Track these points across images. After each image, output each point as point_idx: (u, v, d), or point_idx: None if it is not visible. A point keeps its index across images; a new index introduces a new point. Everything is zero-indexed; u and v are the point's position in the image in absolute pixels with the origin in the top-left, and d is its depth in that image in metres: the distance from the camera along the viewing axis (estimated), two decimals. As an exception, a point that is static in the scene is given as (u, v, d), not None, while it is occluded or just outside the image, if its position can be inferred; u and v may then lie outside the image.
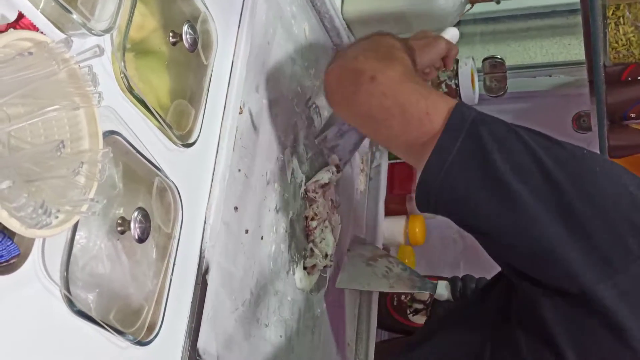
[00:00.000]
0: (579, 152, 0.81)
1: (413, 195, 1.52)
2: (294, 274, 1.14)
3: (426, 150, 0.79)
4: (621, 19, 1.19)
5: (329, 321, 1.27)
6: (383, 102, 0.84)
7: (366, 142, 1.57)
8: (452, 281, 1.08)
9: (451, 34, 1.18)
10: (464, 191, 0.77)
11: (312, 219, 1.17)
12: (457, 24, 1.43)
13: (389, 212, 1.51)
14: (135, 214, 0.74)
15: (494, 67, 1.63)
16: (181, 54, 0.86)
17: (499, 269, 0.91)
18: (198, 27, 0.88)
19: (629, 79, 1.32)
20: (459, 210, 0.79)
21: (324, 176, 1.20)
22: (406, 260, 1.59)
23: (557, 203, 0.73)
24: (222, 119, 0.94)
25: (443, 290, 1.13)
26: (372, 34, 1.01)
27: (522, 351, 0.76)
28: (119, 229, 0.72)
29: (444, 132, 0.78)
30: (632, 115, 1.35)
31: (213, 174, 0.91)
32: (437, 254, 1.75)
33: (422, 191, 0.80)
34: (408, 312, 1.43)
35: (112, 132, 0.70)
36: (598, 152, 1.31)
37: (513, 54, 1.80)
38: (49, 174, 0.58)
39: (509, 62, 1.64)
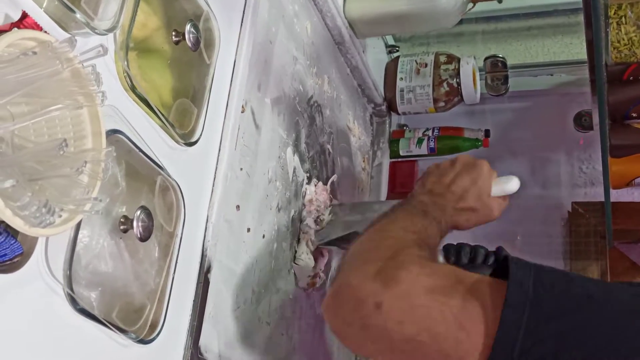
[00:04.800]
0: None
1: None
2: (295, 251, 1.14)
3: None
4: (623, 19, 1.19)
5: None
6: (404, 332, 0.66)
7: (367, 140, 1.57)
8: (445, 248, 1.04)
9: (511, 185, 0.99)
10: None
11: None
12: (459, 23, 1.43)
13: (390, 211, 1.51)
14: (138, 212, 0.74)
15: (495, 66, 1.63)
16: (184, 52, 0.86)
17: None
18: (200, 26, 0.88)
19: (631, 78, 1.32)
20: None
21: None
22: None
23: None
24: (225, 117, 0.94)
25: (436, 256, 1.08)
26: (379, 218, 0.89)
27: None
28: (121, 227, 0.73)
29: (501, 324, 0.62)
30: (634, 115, 1.34)
31: (215, 173, 0.91)
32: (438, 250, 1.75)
33: None
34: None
35: (115, 131, 0.71)
36: (599, 151, 1.31)
37: (515, 53, 1.80)
38: (53, 172, 0.59)
39: (510, 61, 1.64)
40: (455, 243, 1.02)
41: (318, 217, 1.19)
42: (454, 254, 0.99)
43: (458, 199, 0.94)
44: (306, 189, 1.19)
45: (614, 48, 1.21)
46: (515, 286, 0.64)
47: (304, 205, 1.18)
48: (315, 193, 1.20)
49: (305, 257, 1.14)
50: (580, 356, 0.61)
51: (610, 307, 0.63)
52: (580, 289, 0.65)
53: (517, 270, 0.65)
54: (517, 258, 0.68)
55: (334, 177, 1.27)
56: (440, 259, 1.01)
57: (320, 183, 1.23)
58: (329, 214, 1.21)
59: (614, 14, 1.19)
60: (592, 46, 1.14)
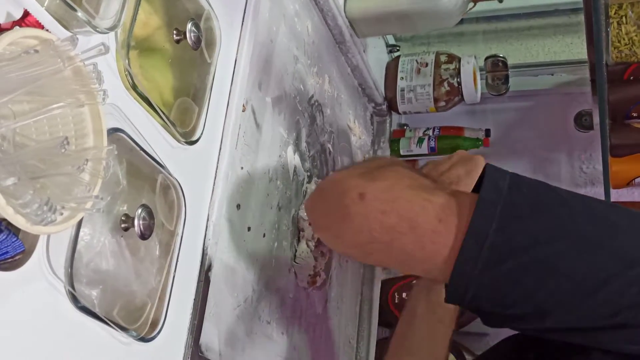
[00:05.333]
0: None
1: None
2: (295, 250, 1.14)
3: (449, 265, 0.65)
4: (624, 18, 1.19)
5: (331, 319, 1.27)
6: (385, 221, 0.67)
7: (367, 139, 1.58)
8: None
9: None
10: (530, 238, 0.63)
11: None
12: (460, 22, 1.43)
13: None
14: (139, 211, 0.74)
15: (496, 66, 1.63)
16: (185, 51, 0.86)
17: None
18: (202, 25, 0.88)
19: (631, 78, 1.32)
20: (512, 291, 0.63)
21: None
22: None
23: None
24: (225, 116, 0.94)
25: None
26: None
27: None
28: (122, 225, 0.73)
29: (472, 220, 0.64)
30: (634, 115, 1.34)
31: (216, 172, 0.91)
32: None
33: (457, 284, 0.64)
34: (409, 309, 1.43)
35: (117, 130, 0.71)
36: (600, 151, 1.31)
37: (515, 52, 1.80)
38: (54, 171, 0.59)
39: (511, 61, 1.64)
40: None
41: None
42: None
43: (450, 184, 0.95)
44: (307, 187, 1.19)
45: (615, 48, 1.21)
46: (490, 184, 0.65)
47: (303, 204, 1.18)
48: (315, 185, 1.21)
49: (306, 256, 1.14)
50: (550, 252, 0.62)
51: (583, 211, 0.64)
52: (555, 194, 0.66)
53: (493, 172, 0.66)
54: (491, 167, 0.69)
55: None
56: None
57: (320, 180, 1.23)
58: None
59: (615, 13, 1.19)
60: (593, 46, 1.14)
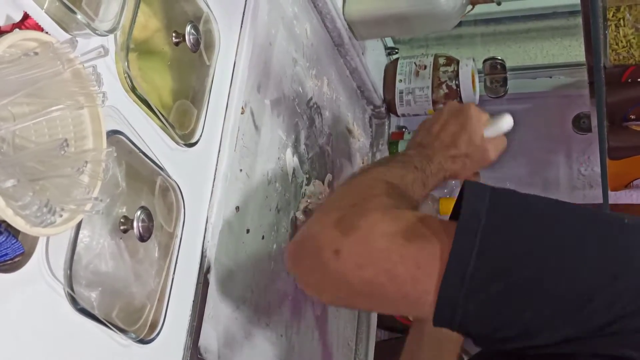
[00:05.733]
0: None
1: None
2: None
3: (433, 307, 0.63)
4: (621, 21, 1.20)
5: (329, 321, 1.27)
6: (363, 275, 0.66)
7: (366, 142, 1.58)
8: None
9: (504, 123, 0.97)
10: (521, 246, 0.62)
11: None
12: (458, 25, 1.44)
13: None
14: (138, 213, 0.74)
15: (494, 68, 1.63)
16: (184, 54, 0.86)
17: None
18: (201, 28, 0.88)
19: (629, 80, 1.32)
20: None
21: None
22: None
23: None
24: (224, 119, 0.94)
25: None
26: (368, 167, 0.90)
27: None
28: (121, 227, 0.73)
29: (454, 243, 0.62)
30: (632, 117, 1.35)
31: (215, 174, 0.91)
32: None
33: (443, 309, 0.63)
34: (408, 311, 1.43)
35: (116, 132, 0.71)
36: (598, 153, 1.31)
37: (514, 55, 1.81)
38: (54, 172, 0.59)
39: (509, 64, 1.64)
40: None
41: (306, 206, 1.19)
42: None
43: (448, 146, 0.93)
44: (305, 189, 1.19)
45: (613, 50, 1.21)
46: (468, 213, 0.63)
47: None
48: (314, 187, 1.21)
49: None
50: (532, 272, 0.61)
51: (563, 226, 0.63)
52: (533, 210, 0.65)
53: (471, 197, 0.65)
54: (471, 183, 0.67)
55: (328, 177, 1.27)
56: None
57: (318, 180, 1.24)
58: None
59: (613, 16, 1.20)
60: (591, 48, 1.14)
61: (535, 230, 0.63)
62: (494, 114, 0.98)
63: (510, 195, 0.67)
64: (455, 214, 0.66)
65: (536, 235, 0.63)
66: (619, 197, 1.61)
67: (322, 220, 0.72)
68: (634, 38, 1.20)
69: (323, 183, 1.25)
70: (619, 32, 1.21)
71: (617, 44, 1.22)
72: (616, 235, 0.63)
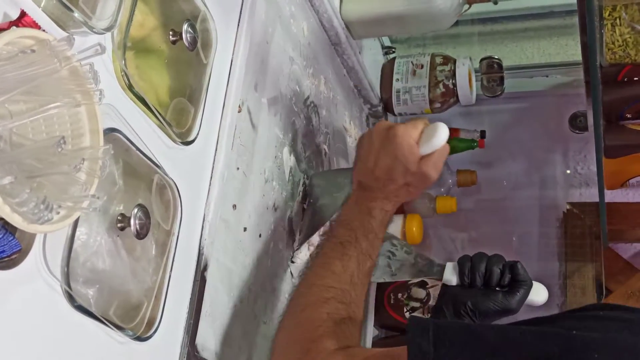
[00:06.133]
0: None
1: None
2: (293, 251, 1.15)
3: None
4: (617, 20, 1.20)
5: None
6: None
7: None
8: (460, 262, 1.00)
9: (438, 138, 0.90)
10: None
11: None
12: (455, 24, 1.44)
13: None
14: (135, 210, 0.74)
15: (491, 68, 1.63)
16: (181, 52, 0.86)
17: None
18: (198, 26, 0.88)
19: (625, 79, 1.33)
20: None
21: None
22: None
23: None
24: (221, 117, 0.94)
25: (450, 274, 1.00)
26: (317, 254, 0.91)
27: None
28: (119, 225, 0.73)
29: None
30: (628, 116, 1.35)
31: (212, 172, 0.92)
32: (434, 253, 1.76)
33: None
34: (405, 310, 1.44)
35: (113, 130, 0.71)
36: (594, 152, 1.32)
37: (510, 54, 1.81)
38: (51, 170, 0.59)
39: (506, 63, 1.65)
40: (471, 255, 0.99)
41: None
42: (468, 274, 0.96)
43: (386, 182, 0.91)
44: (301, 190, 1.19)
45: (609, 49, 1.22)
46: (414, 354, 0.64)
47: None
48: None
49: (303, 256, 1.15)
50: None
51: (515, 352, 0.62)
52: (482, 340, 0.64)
53: (415, 335, 0.66)
54: (414, 319, 0.68)
55: None
56: (454, 279, 0.98)
57: None
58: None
59: (609, 15, 1.20)
60: (587, 47, 1.14)
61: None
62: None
63: (453, 326, 0.68)
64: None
65: None
66: (615, 196, 1.61)
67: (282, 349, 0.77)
68: (630, 37, 1.21)
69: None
70: (615, 31, 1.21)
71: (613, 43, 1.22)
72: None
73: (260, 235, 1.05)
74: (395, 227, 1.52)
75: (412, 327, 0.67)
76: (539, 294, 0.98)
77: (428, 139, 0.90)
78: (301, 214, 1.18)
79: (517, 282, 0.96)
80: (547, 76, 1.75)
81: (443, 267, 1.02)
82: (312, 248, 1.15)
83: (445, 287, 1.01)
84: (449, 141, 1.58)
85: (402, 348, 0.67)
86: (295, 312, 0.85)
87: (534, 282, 0.98)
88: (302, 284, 0.89)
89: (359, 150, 0.97)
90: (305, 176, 1.21)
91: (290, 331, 0.83)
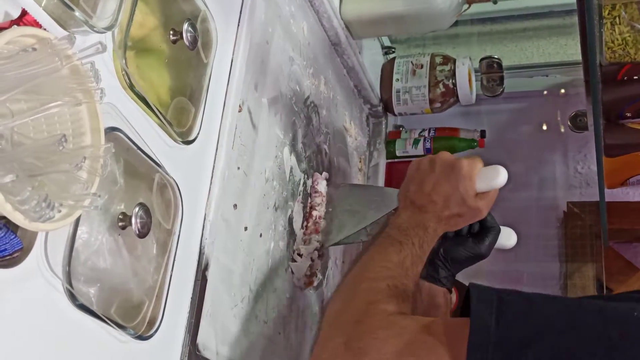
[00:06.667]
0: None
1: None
2: (293, 250, 1.15)
3: None
4: (617, 19, 1.20)
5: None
6: None
7: (363, 141, 1.58)
8: None
9: (498, 180, 0.93)
10: None
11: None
12: (455, 24, 1.44)
13: (386, 211, 1.52)
14: (136, 209, 0.74)
15: (491, 67, 1.63)
16: (181, 52, 0.86)
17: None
18: (198, 26, 0.89)
19: (625, 78, 1.33)
20: None
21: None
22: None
23: None
24: (222, 117, 0.95)
25: None
26: (364, 249, 0.90)
27: None
28: (120, 224, 0.73)
29: None
30: (628, 114, 1.35)
31: (213, 171, 0.92)
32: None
33: None
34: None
35: (114, 129, 0.71)
36: (594, 151, 1.32)
37: (510, 54, 1.81)
38: (52, 168, 0.59)
39: (506, 62, 1.65)
40: None
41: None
42: None
43: (442, 208, 0.92)
44: (302, 190, 1.19)
45: (608, 48, 1.22)
46: (477, 326, 0.65)
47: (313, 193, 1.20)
48: (315, 183, 1.22)
49: (306, 255, 1.15)
50: None
51: (574, 333, 0.63)
52: (543, 317, 0.65)
53: (478, 307, 0.66)
54: (477, 288, 0.69)
55: (325, 175, 1.27)
56: None
57: (317, 173, 1.24)
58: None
59: (608, 14, 1.20)
60: (587, 47, 1.14)
61: (546, 341, 0.63)
62: (488, 164, 0.95)
63: (517, 300, 0.68)
64: (464, 312, 0.67)
65: (546, 346, 0.63)
66: (615, 195, 1.62)
67: (332, 343, 0.74)
68: (629, 36, 1.21)
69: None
70: (614, 30, 1.21)
71: (612, 42, 1.22)
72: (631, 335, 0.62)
73: (260, 235, 1.05)
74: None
75: (476, 298, 0.67)
76: (509, 238, 1.02)
77: (488, 179, 0.93)
78: (302, 214, 1.18)
79: (485, 229, 0.99)
80: (546, 76, 1.75)
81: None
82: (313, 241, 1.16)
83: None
84: (448, 141, 1.59)
85: (464, 320, 0.67)
86: (352, 285, 0.84)
87: (503, 227, 1.01)
88: (357, 265, 0.88)
89: (415, 173, 0.98)
90: (306, 176, 1.21)
91: (348, 298, 0.81)
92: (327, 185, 1.25)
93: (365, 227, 1.12)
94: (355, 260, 0.91)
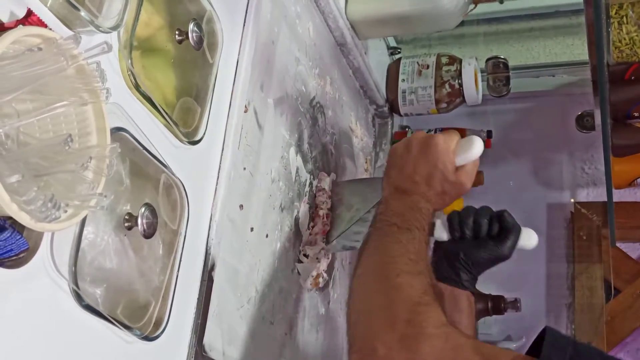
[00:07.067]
0: None
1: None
2: (300, 251, 1.15)
3: None
4: (624, 18, 1.19)
5: (334, 319, 1.27)
6: None
7: (369, 141, 1.58)
8: (449, 217, 1.01)
9: (474, 150, 0.94)
10: None
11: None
12: (461, 24, 1.44)
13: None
14: (142, 210, 0.74)
15: (497, 67, 1.62)
16: (187, 52, 0.86)
17: None
18: (204, 26, 0.88)
19: (632, 78, 1.32)
20: None
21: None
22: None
23: None
24: (228, 117, 0.94)
25: (441, 231, 1.00)
26: (368, 240, 0.89)
27: None
28: (126, 224, 0.73)
29: None
30: (636, 114, 1.34)
31: (219, 172, 0.92)
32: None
33: None
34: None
35: (119, 129, 0.71)
36: (602, 151, 1.31)
37: (516, 54, 1.80)
38: (58, 168, 0.59)
39: (512, 62, 1.64)
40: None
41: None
42: (457, 228, 0.98)
43: (426, 188, 0.92)
44: (307, 191, 1.19)
45: (616, 48, 1.21)
46: None
47: (317, 192, 1.20)
48: (320, 182, 1.22)
49: (312, 256, 1.15)
50: None
51: None
52: None
53: (552, 351, 0.66)
54: (553, 334, 0.68)
55: (332, 176, 1.27)
56: (444, 234, 0.99)
57: (324, 172, 1.24)
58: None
59: (615, 13, 1.19)
60: (594, 46, 1.14)
61: None
62: (466, 135, 0.94)
63: (591, 352, 0.68)
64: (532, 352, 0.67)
65: None
66: (622, 195, 1.61)
67: (384, 337, 0.73)
68: (637, 35, 1.20)
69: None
70: (622, 30, 1.21)
71: (620, 42, 1.22)
72: None
73: (267, 236, 1.04)
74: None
75: (550, 344, 0.67)
76: (529, 238, 0.99)
77: (464, 150, 0.93)
78: (308, 214, 1.18)
79: (506, 230, 0.97)
80: (553, 76, 1.74)
81: (433, 225, 1.02)
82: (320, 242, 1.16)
83: (437, 243, 1.02)
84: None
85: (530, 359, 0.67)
86: (388, 275, 0.81)
87: (523, 227, 0.99)
88: (375, 255, 0.86)
89: (394, 158, 0.97)
90: (312, 176, 1.21)
91: (390, 293, 0.79)
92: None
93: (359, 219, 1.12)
94: (362, 251, 0.90)
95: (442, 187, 0.92)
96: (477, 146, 0.93)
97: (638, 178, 1.49)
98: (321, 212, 1.18)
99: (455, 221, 0.98)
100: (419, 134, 0.96)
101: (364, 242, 0.91)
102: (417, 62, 1.57)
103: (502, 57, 1.64)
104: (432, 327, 0.72)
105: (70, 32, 0.64)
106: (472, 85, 1.52)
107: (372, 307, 0.79)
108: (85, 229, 0.66)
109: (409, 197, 0.92)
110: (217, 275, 0.88)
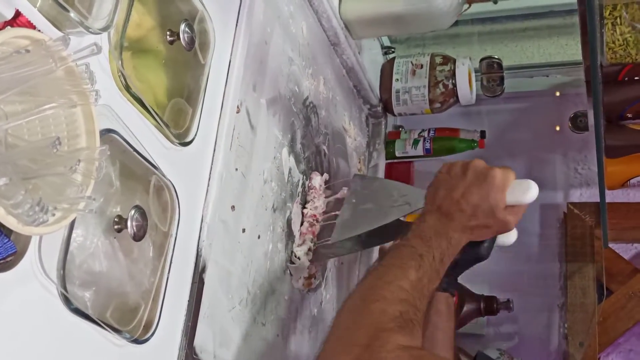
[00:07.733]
0: None
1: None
2: (291, 252, 1.14)
3: None
4: (618, 19, 1.19)
5: (326, 320, 1.27)
6: None
7: (363, 141, 1.57)
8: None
9: (528, 195, 0.91)
10: None
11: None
12: (455, 24, 1.43)
13: (386, 212, 1.51)
14: (132, 212, 0.74)
15: (491, 67, 1.62)
16: (178, 52, 0.86)
17: None
18: (195, 26, 0.88)
19: (626, 79, 1.32)
20: None
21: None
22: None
23: None
24: (220, 117, 0.94)
25: None
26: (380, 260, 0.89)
27: None
28: (115, 227, 0.72)
29: None
30: (629, 115, 1.35)
31: (210, 173, 0.91)
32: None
33: None
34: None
35: (109, 131, 0.70)
36: (595, 152, 1.31)
37: (510, 54, 1.80)
38: (46, 171, 0.58)
39: (506, 62, 1.64)
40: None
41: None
42: None
43: (469, 217, 0.90)
44: (300, 191, 1.19)
45: (609, 49, 1.21)
46: None
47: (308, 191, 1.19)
48: (311, 180, 1.21)
49: (303, 257, 1.14)
50: None
51: None
52: None
53: None
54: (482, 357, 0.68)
55: (325, 176, 1.26)
56: None
57: (316, 172, 1.24)
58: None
59: (609, 14, 1.19)
60: (588, 47, 1.14)
61: None
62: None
63: None
64: None
65: None
66: (615, 196, 1.61)
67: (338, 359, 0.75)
68: (630, 36, 1.20)
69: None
70: (615, 31, 1.21)
71: (613, 43, 1.22)
72: None
73: (259, 237, 1.04)
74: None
75: None
76: (508, 235, 0.97)
77: (519, 193, 0.91)
78: (300, 215, 1.17)
79: None
80: (547, 76, 1.74)
81: None
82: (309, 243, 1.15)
83: None
84: (448, 141, 1.59)
85: None
86: (367, 299, 0.82)
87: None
88: (374, 276, 0.86)
89: (445, 177, 0.95)
90: (305, 177, 1.20)
91: (360, 316, 0.80)
92: (351, 177, 1.23)
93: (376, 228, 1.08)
94: (374, 265, 0.89)
95: (487, 221, 0.91)
96: (532, 191, 0.91)
97: (631, 179, 1.49)
98: (308, 212, 1.18)
99: None
100: (479, 162, 0.94)
101: (380, 256, 0.91)
102: (411, 62, 1.57)
103: (496, 57, 1.64)
104: (385, 351, 0.72)
105: (60, 33, 0.63)
106: (466, 85, 1.52)
107: (340, 326, 0.80)
108: (74, 231, 0.66)
109: (447, 222, 0.91)
110: (208, 277, 0.88)
